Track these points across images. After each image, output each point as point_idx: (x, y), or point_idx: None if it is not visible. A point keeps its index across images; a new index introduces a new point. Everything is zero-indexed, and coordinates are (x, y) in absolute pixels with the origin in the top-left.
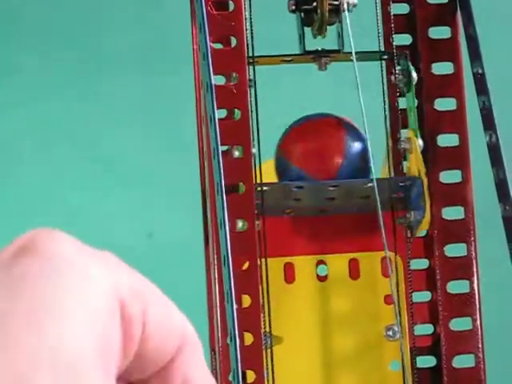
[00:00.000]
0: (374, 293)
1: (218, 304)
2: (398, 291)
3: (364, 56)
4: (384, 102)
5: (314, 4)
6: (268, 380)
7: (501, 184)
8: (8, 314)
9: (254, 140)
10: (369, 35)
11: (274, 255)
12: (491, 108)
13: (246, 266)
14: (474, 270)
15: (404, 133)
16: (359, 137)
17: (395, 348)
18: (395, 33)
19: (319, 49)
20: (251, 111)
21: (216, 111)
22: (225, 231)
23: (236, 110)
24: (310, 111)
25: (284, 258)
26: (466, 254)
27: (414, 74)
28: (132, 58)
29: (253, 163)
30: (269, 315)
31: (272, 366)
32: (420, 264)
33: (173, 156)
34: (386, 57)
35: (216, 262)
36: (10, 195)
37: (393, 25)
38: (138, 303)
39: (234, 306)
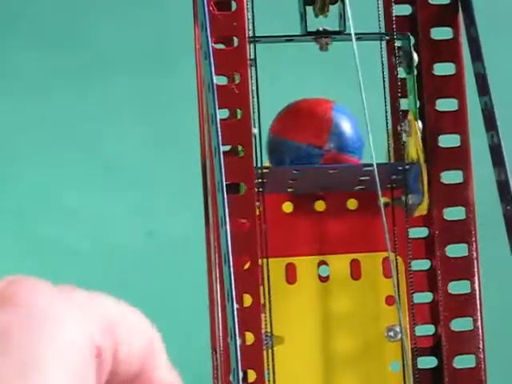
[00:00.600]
0: (376, 293)
1: (219, 303)
2: (399, 292)
3: (366, 37)
4: (384, 86)
5: None
6: (269, 380)
7: (502, 184)
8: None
9: (254, 124)
10: (370, 17)
11: (276, 256)
12: (493, 109)
13: (247, 265)
14: (475, 270)
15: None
16: (345, 110)
17: (396, 349)
18: (395, 3)
19: (321, 29)
20: (251, 90)
21: (218, 111)
22: (225, 230)
23: (238, 110)
24: None
25: (285, 259)
26: (467, 254)
27: (415, 55)
28: (132, 58)
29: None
30: (270, 315)
31: (273, 365)
32: (421, 265)
33: (173, 156)
34: (387, 38)
35: (217, 261)
36: (10, 195)
37: (393, 7)
38: (108, 338)
39: (235, 306)
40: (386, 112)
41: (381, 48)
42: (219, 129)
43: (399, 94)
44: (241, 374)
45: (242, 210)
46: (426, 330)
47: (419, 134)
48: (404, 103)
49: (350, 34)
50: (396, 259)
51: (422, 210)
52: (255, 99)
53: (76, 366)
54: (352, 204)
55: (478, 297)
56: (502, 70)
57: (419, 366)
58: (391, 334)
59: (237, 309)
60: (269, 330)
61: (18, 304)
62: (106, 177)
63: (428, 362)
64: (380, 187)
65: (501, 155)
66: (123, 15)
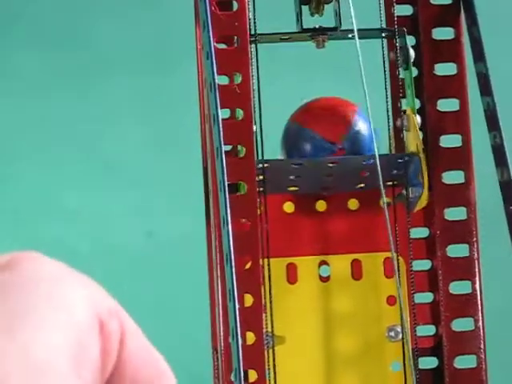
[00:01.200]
0: (377, 293)
1: (220, 303)
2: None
3: (363, 34)
4: (385, 80)
5: None
6: (270, 380)
7: (505, 185)
8: None
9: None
10: (368, 14)
11: (277, 256)
12: (495, 109)
13: (248, 265)
14: (477, 270)
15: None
16: (366, 119)
17: (397, 349)
18: (397, 3)
19: (317, 27)
20: (252, 76)
21: (220, 111)
22: (227, 229)
23: (239, 109)
24: None
25: (286, 259)
26: (468, 254)
27: (412, 51)
28: (132, 58)
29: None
30: (271, 315)
31: (274, 365)
32: (422, 265)
33: (173, 156)
34: (385, 34)
35: (218, 261)
36: (10, 195)
37: (395, 8)
38: (115, 322)
39: (236, 305)
40: (387, 105)
41: (382, 46)
42: (221, 129)
43: (400, 94)
44: (242, 374)
45: (244, 210)
46: (426, 330)
47: (418, 128)
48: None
49: (347, 31)
50: (397, 259)
51: (422, 202)
52: (256, 98)
53: (74, 332)
54: (353, 204)
55: (479, 297)
56: (505, 70)
57: (420, 367)
58: (392, 334)
59: (238, 308)
60: (270, 329)
61: (21, 268)
62: (106, 177)
63: (429, 363)
64: (381, 182)
65: (503, 155)
66: (123, 15)
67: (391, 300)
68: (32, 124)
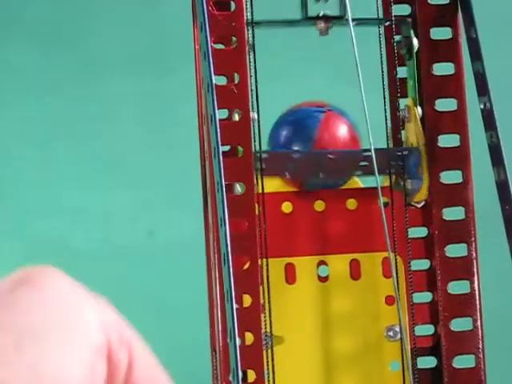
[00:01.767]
0: (375, 293)
1: (218, 303)
2: (398, 292)
3: (365, 22)
4: (382, 70)
5: None
6: (268, 380)
7: (502, 184)
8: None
9: (253, 107)
10: (369, 6)
11: (275, 256)
12: (492, 109)
13: (246, 265)
14: (475, 270)
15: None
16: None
17: (395, 348)
18: (395, 3)
19: (320, 15)
20: (250, 76)
21: (217, 111)
22: (225, 230)
23: (237, 110)
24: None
25: (285, 259)
26: (466, 254)
27: (415, 41)
28: (132, 58)
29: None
30: (269, 315)
31: (272, 366)
32: (421, 264)
33: (173, 155)
34: (386, 23)
35: (216, 261)
36: (10, 195)
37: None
38: (124, 351)
39: (234, 306)
40: (385, 99)
41: (379, 35)
42: (218, 129)
43: (398, 90)
44: (240, 374)
45: (242, 210)
46: (425, 329)
47: (419, 120)
48: (402, 73)
49: (351, 20)
50: (396, 259)
51: (422, 195)
52: (255, 98)
53: (85, 355)
54: (351, 204)
55: (477, 297)
56: (502, 69)
57: (419, 366)
58: (391, 333)
59: (236, 309)
60: (268, 330)
61: (37, 284)
62: (106, 177)
63: (427, 362)
64: (379, 173)
65: (500, 155)
66: (123, 15)
67: (390, 300)
68: (32, 124)
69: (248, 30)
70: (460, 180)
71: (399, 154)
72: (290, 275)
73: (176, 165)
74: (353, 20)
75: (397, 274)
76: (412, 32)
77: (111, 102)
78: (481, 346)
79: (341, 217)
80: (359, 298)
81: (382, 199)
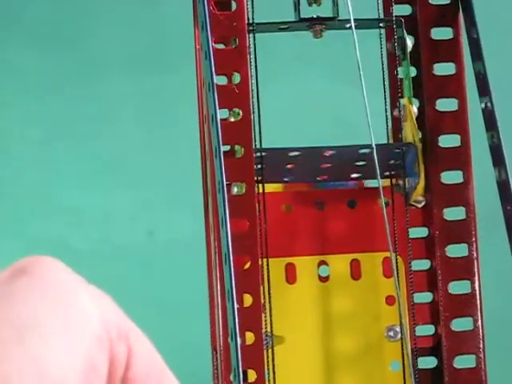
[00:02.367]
0: (376, 293)
1: (219, 303)
2: (399, 292)
3: (361, 24)
4: (383, 70)
5: None
6: (269, 380)
7: (503, 184)
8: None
9: (253, 107)
10: (366, 6)
11: (276, 256)
12: (493, 109)
13: (247, 265)
14: (476, 270)
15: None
16: None
17: (396, 349)
18: (395, 3)
19: (314, 16)
20: (250, 76)
21: (218, 110)
22: (226, 230)
23: (237, 109)
24: (308, 107)
25: (285, 259)
26: (467, 254)
27: (409, 42)
28: (132, 58)
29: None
30: (270, 315)
31: (273, 365)
32: (421, 265)
33: (173, 155)
34: (382, 24)
35: (217, 261)
36: (10, 195)
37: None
38: (123, 345)
39: (235, 305)
40: (385, 99)
41: (380, 38)
42: (219, 129)
43: (399, 89)
44: (241, 374)
45: (243, 210)
46: (426, 330)
47: (414, 118)
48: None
49: (345, 21)
50: (396, 259)
51: (419, 192)
52: (255, 98)
53: (85, 347)
54: (352, 204)
55: (478, 297)
56: (503, 69)
57: (419, 366)
58: (391, 333)
59: (237, 308)
60: (269, 329)
61: (33, 275)
62: (106, 176)
63: (428, 362)
64: (379, 174)
65: (501, 155)
66: (123, 15)
67: (390, 300)
68: (32, 123)
69: (249, 33)
70: (461, 180)
71: (398, 150)
72: (291, 275)
73: (176, 165)
74: (348, 21)
75: (397, 274)
76: (405, 32)
77: (111, 101)
78: (481, 346)
79: (341, 217)
80: (360, 297)
81: (383, 199)
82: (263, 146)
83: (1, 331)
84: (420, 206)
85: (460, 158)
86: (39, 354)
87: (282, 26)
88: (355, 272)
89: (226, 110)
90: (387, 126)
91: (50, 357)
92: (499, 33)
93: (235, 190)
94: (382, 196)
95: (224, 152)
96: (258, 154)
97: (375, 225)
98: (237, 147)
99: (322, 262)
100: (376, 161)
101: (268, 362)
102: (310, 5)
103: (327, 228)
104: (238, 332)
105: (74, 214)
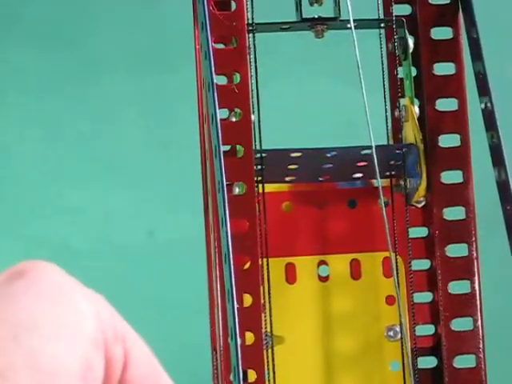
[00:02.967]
0: (376, 293)
1: (219, 303)
2: (399, 291)
3: (362, 24)
4: (382, 70)
5: None
6: (269, 380)
7: (502, 184)
8: None
9: (253, 107)
10: (367, 6)
11: (276, 256)
12: (493, 109)
13: (247, 265)
14: (475, 270)
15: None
16: None
17: (396, 348)
18: (395, 3)
19: (316, 16)
20: (250, 76)
21: (218, 110)
22: (226, 230)
23: (237, 109)
24: (309, 107)
25: (285, 259)
26: (467, 254)
27: (411, 42)
28: (132, 58)
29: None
30: (270, 315)
31: (273, 365)
32: (421, 264)
33: (173, 155)
34: (383, 25)
35: (217, 261)
36: (10, 195)
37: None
38: (119, 347)
39: (235, 305)
40: (385, 99)
41: (380, 38)
42: (219, 129)
43: (399, 89)
44: (241, 374)
45: (243, 210)
46: (426, 329)
47: (416, 119)
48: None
49: (346, 21)
50: (396, 259)
51: (420, 193)
52: (255, 98)
53: (81, 347)
54: (352, 204)
55: (478, 297)
56: (503, 69)
57: (419, 366)
58: (391, 333)
59: (237, 308)
60: (269, 329)
61: (30, 278)
62: (106, 176)
63: (428, 362)
64: (379, 175)
65: (501, 155)
66: (123, 15)
67: (390, 300)
68: (32, 123)
69: (248, 33)
70: (460, 180)
71: (399, 151)
72: (291, 275)
73: (176, 165)
74: (348, 21)
75: (397, 273)
76: (407, 32)
77: (111, 102)
78: (481, 346)
79: (341, 217)
80: (359, 297)
81: (382, 199)
82: (264, 147)
83: None
84: (420, 205)
85: (460, 157)
86: (34, 349)
87: (284, 26)
88: (355, 272)
89: (226, 109)
90: (387, 126)
91: (45, 352)
92: (499, 33)
93: (237, 190)
94: (382, 196)
95: (224, 152)
96: (259, 155)
97: (375, 225)
98: (237, 147)
99: (322, 262)
100: (376, 161)
101: (268, 361)
102: (311, 5)
103: (327, 228)
104: (237, 332)
105: (74, 214)
